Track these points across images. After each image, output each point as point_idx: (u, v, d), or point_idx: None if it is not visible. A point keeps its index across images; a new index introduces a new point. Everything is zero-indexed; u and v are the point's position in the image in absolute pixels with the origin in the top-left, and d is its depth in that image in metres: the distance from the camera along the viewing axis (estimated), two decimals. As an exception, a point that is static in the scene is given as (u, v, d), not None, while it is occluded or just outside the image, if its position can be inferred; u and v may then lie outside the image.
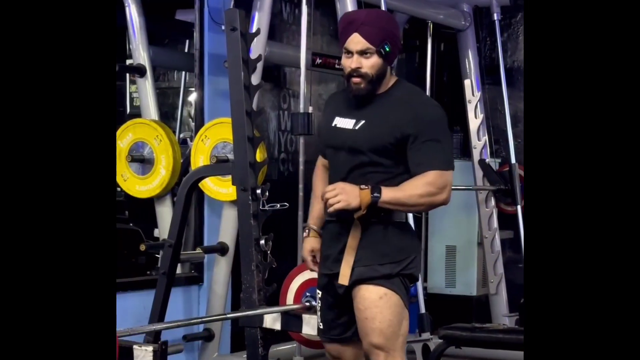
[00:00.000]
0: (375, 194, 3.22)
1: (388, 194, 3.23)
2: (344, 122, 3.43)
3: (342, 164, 3.41)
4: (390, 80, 3.43)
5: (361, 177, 3.33)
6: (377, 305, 3.31)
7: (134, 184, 5.36)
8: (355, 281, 3.36)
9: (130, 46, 5.57)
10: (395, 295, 3.32)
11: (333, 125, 3.46)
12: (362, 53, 3.34)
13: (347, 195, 3.24)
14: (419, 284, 5.35)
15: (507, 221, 6.67)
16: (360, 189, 3.24)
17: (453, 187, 6.75)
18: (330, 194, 3.25)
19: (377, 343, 3.32)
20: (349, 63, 3.37)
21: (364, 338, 3.34)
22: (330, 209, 3.27)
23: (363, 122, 3.39)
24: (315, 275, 3.73)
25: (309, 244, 3.59)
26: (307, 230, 3.62)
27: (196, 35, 5.46)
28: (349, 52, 3.38)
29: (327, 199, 3.27)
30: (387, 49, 3.32)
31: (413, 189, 3.24)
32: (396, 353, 3.32)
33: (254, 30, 4.97)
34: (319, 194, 3.52)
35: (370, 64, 3.34)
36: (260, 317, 4.23)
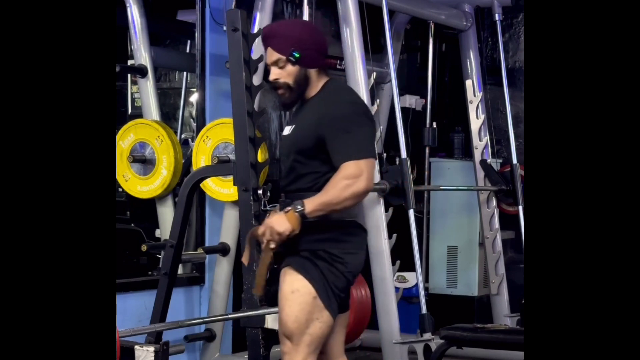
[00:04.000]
0: (299, 209, 3.30)
1: (312, 203, 3.31)
2: (286, 130, 3.58)
3: (284, 169, 3.54)
4: (320, 82, 3.50)
5: (295, 179, 3.45)
6: (287, 298, 3.40)
7: (136, 184, 5.37)
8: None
9: (132, 47, 5.58)
10: (309, 293, 3.35)
11: (282, 134, 3.65)
12: (277, 64, 3.46)
13: (276, 227, 3.32)
14: (420, 285, 5.35)
15: (508, 221, 6.67)
16: (285, 212, 3.32)
17: (455, 187, 6.83)
18: (264, 238, 3.35)
19: (283, 332, 3.44)
20: (270, 77, 3.52)
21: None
22: (271, 248, 3.35)
23: (293, 127, 3.53)
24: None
25: None
26: None
27: (198, 35, 5.47)
28: (270, 67, 3.52)
29: (263, 242, 3.37)
30: (297, 55, 3.42)
31: (333, 187, 3.31)
32: (299, 348, 3.39)
33: (255, 30, 4.98)
34: None
35: (286, 73, 3.45)
36: (261, 318, 4.24)
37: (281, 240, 3.33)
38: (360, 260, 3.47)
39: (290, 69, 3.44)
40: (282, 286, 3.44)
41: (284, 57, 3.43)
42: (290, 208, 3.32)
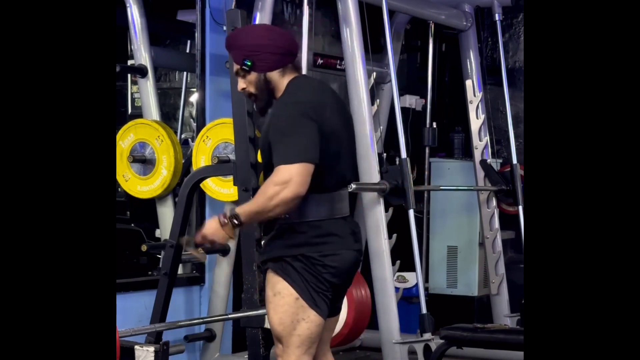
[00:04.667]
0: (234, 218, 3.31)
1: (244, 214, 3.33)
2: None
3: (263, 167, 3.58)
4: (286, 81, 3.49)
5: (267, 178, 3.46)
6: (270, 301, 3.43)
7: (136, 184, 5.37)
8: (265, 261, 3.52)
9: (132, 47, 5.58)
10: (291, 295, 3.37)
11: None
12: (239, 74, 3.50)
13: (209, 237, 3.36)
14: (420, 285, 5.35)
15: (508, 221, 6.67)
16: (221, 224, 3.33)
17: (455, 188, 6.83)
18: (199, 242, 3.42)
19: (273, 334, 3.47)
20: (238, 87, 3.57)
21: None
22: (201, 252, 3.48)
23: (262, 129, 3.57)
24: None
25: None
26: None
27: (198, 35, 5.47)
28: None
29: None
30: (249, 63, 3.44)
31: (262, 194, 3.31)
32: (289, 350, 3.41)
33: (255, 30, 4.96)
34: None
35: (247, 82, 3.48)
36: (261, 318, 4.24)
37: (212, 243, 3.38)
38: (346, 258, 3.42)
39: (249, 77, 3.46)
40: (266, 289, 3.46)
41: (239, 67, 3.46)
42: (226, 220, 3.31)
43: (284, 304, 3.38)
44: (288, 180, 3.23)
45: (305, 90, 3.46)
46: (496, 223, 6.46)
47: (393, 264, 5.34)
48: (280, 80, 3.47)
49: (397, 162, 5.36)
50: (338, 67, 5.86)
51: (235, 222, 3.30)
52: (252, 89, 3.48)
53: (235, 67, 3.48)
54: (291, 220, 3.39)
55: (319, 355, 3.57)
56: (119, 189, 5.47)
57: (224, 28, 4.87)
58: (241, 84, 3.50)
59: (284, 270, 3.38)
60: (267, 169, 3.43)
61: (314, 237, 3.39)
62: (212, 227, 3.34)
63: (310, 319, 3.38)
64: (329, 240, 3.40)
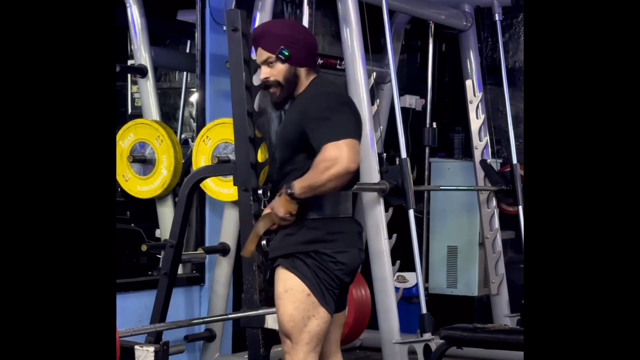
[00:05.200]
0: (289, 191, 3.36)
1: (297, 185, 3.36)
2: (280, 126, 3.67)
3: (276, 167, 3.60)
4: (308, 80, 3.52)
5: (284, 176, 3.49)
6: (281, 297, 3.43)
7: (136, 184, 5.37)
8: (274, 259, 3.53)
9: (132, 47, 5.58)
10: (302, 291, 3.37)
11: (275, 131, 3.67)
12: (266, 63, 3.50)
13: (275, 211, 3.40)
14: (420, 285, 5.36)
15: (508, 221, 6.67)
16: (279, 195, 3.40)
17: (455, 188, 6.82)
18: (276, 221, 3.44)
19: (282, 331, 3.48)
20: (260, 76, 3.56)
21: None
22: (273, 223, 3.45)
23: (281, 126, 3.61)
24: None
25: None
26: None
27: (198, 35, 5.47)
28: (260, 67, 3.55)
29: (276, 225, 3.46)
30: (286, 53, 3.45)
31: (314, 169, 3.33)
32: (298, 347, 3.42)
33: (255, 30, 4.96)
34: None
35: (275, 71, 3.49)
36: (261, 318, 4.24)
37: (282, 223, 3.39)
38: (354, 256, 3.46)
39: (280, 67, 3.47)
40: (276, 286, 3.46)
41: (273, 56, 3.46)
42: (283, 190, 3.37)
43: (295, 300, 3.38)
44: (337, 156, 3.27)
45: (334, 85, 3.63)
46: (496, 223, 6.46)
47: (393, 264, 5.34)
48: (306, 78, 3.51)
49: (397, 162, 5.36)
50: (338, 67, 5.86)
51: (290, 190, 3.33)
52: (279, 79, 3.48)
53: (264, 55, 3.48)
54: (307, 216, 3.41)
55: (329, 354, 3.58)
56: (119, 189, 5.47)
57: (224, 28, 4.86)
58: (266, 72, 3.50)
59: (295, 267, 3.39)
60: (284, 163, 3.47)
61: (327, 234, 3.41)
62: (276, 201, 3.39)
63: (320, 316, 3.39)
64: (340, 238, 3.43)
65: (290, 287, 3.40)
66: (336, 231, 3.43)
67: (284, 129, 3.53)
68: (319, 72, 3.59)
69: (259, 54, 3.52)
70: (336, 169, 3.27)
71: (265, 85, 3.54)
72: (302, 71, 3.50)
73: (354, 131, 3.37)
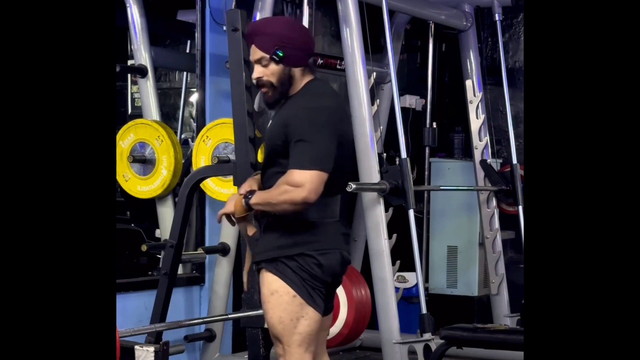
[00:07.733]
0: (248, 196, 3.39)
1: (257, 195, 3.38)
2: (269, 126, 3.59)
3: (264, 161, 3.58)
4: (303, 81, 3.48)
5: (270, 176, 3.46)
6: (268, 300, 3.43)
7: (136, 184, 5.37)
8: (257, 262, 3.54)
9: (132, 47, 5.59)
10: (288, 293, 3.38)
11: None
12: (260, 62, 3.44)
13: (230, 204, 3.45)
14: (420, 285, 5.35)
15: (508, 222, 6.67)
16: (239, 194, 3.43)
17: (455, 188, 6.82)
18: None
19: (272, 334, 3.48)
20: (253, 74, 3.51)
21: None
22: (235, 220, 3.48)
23: (270, 124, 3.55)
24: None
25: None
26: None
27: (198, 35, 5.47)
28: (254, 65, 3.50)
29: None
30: (281, 54, 3.40)
31: (275, 188, 3.34)
32: (292, 349, 3.41)
33: (255, 30, 4.96)
34: None
35: (269, 71, 3.43)
36: (261, 318, 4.24)
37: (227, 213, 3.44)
38: (336, 259, 3.43)
39: (274, 67, 3.41)
40: (261, 289, 3.46)
41: (267, 56, 3.41)
42: (242, 192, 3.40)
43: (281, 302, 3.38)
44: (301, 184, 3.26)
45: (326, 96, 3.48)
46: (496, 223, 6.46)
47: (393, 264, 5.34)
48: (300, 78, 3.46)
49: (397, 162, 5.36)
50: (338, 67, 5.86)
51: (248, 197, 3.37)
52: (273, 80, 3.42)
53: (258, 54, 3.42)
54: (286, 219, 3.39)
55: (315, 357, 3.57)
56: (119, 189, 5.48)
57: (224, 28, 4.87)
58: (259, 72, 3.44)
59: (277, 268, 3.39)
60: (267, 164, 3.46)
61: (310, 236, 3.40)
62: (235, 196, 3.42)
63: (309, 316, 3.39)
64: (322, 239, 3.42)
65: (275, 289, 3.39)
66: (319, 233, 3.41)
67: (271, 129, 3.48)
68: (316, 72, 3.55)
69: (253, 52, 3.46)
70: (293, 195, 3.27)
71: (258, 84, 3.49)
72: (297, 71, 3.45)
73: (327, 160, 3.31)
